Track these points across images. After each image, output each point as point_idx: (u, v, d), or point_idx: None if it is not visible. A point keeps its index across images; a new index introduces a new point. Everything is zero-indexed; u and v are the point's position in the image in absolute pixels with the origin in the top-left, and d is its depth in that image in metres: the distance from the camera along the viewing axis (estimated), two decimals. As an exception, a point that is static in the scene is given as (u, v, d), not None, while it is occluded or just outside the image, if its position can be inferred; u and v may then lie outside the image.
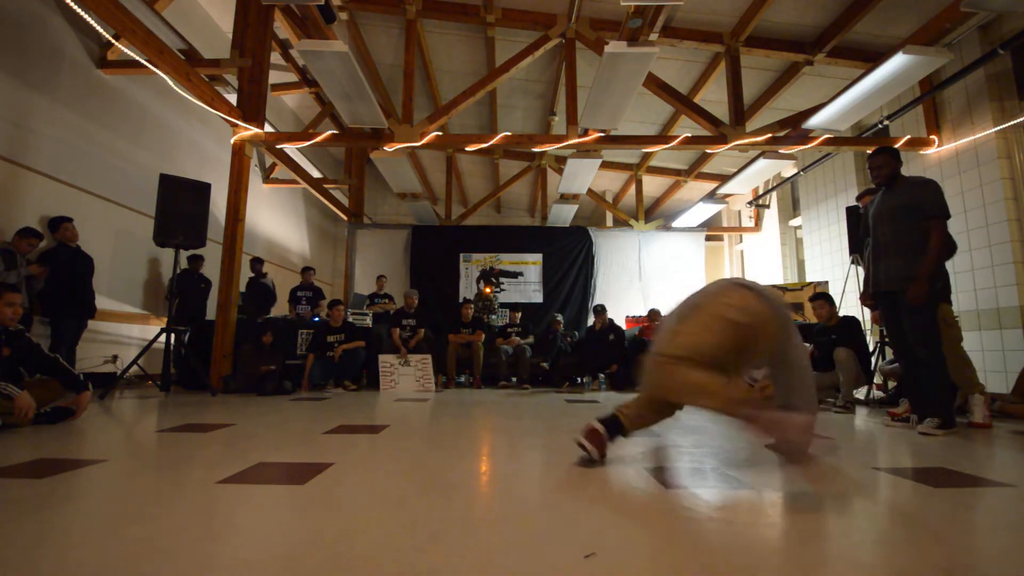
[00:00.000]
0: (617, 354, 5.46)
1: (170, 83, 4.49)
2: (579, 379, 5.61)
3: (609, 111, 4.82)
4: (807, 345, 4.14)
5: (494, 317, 6.91)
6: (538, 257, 8.19)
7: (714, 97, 6.11)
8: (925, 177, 2.72)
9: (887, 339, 3.05)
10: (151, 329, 5.44)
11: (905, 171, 5.34)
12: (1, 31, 3.97)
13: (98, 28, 4.29)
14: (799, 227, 7.42)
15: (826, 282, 5.86)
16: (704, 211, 8.00)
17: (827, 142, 5.25)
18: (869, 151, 5.61)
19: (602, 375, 5.56)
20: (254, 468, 1.60)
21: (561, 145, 5.36)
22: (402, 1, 5.39)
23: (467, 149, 5.59)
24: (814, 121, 4.96)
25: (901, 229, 2.58)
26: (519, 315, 6.44)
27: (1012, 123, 4.31)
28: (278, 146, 5.59)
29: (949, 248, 2.63)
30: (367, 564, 0.90)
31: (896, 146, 5.03)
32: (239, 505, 1.24)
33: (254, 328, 4.90)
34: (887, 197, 2.71)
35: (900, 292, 2.56)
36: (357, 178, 8.45)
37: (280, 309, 6.97)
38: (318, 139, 5.35)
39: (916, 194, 2.59)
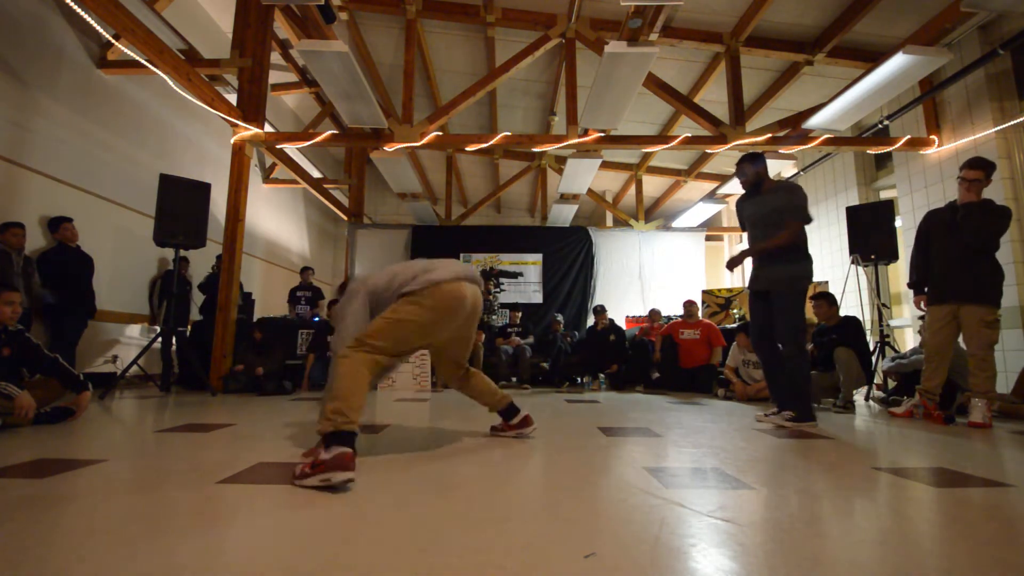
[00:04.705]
0: (618, 354, 5.46)
1: (170, 83, 4.48)
2: (579, 379, 5.61)
3: (609, 111, 4.82)
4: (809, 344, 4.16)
5: (494, 317, 6.92)
6: (538, 257, 8.19)
7: (714, 97, 6.11)
8: (791, 183, 2.86)
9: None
10: (152, 329, 5.44)
11: (905, 171, 5.41)
12: (1, 31, 3.96)
13: (98, 28, 4.29)
14: (799, 227, 7.41)
15: (826, 282, 5.85)
16: (704, 211, 8.00)
17: (827, 142, 5.25)
18: (868, 151, 5.62)
19: (602, 375, 5.56)
20: (254, 468, 1.60)
21: (561, 145, 5.36)
22: (402, 1, 5.39)
23: (467, 149, 5.58)
24: (814, 121, 4.96)
25: (768, 236, 2.79)
26: (519, 315, 6.44)
27: (1012, 123, 4.31)
28: (278, 146, 5.58)
29: (800, 251, 2.72)
30: (367, 564, 0.90)
31: (896, 147, 5.05)
32: (239, 505, 1.24)
33: (248, 327, 4.91)
34: (757, 203, 2.88)
35: (771, 292, 2.75)
36: (357, 178, 8.44)
37: (280, 309, 6.97)
38: (318, 139, 5.35)
39: (779, 201, 2.76)
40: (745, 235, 3.03)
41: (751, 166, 2.89)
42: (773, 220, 2.77)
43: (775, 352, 2.80)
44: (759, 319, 2.86)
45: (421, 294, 1.84)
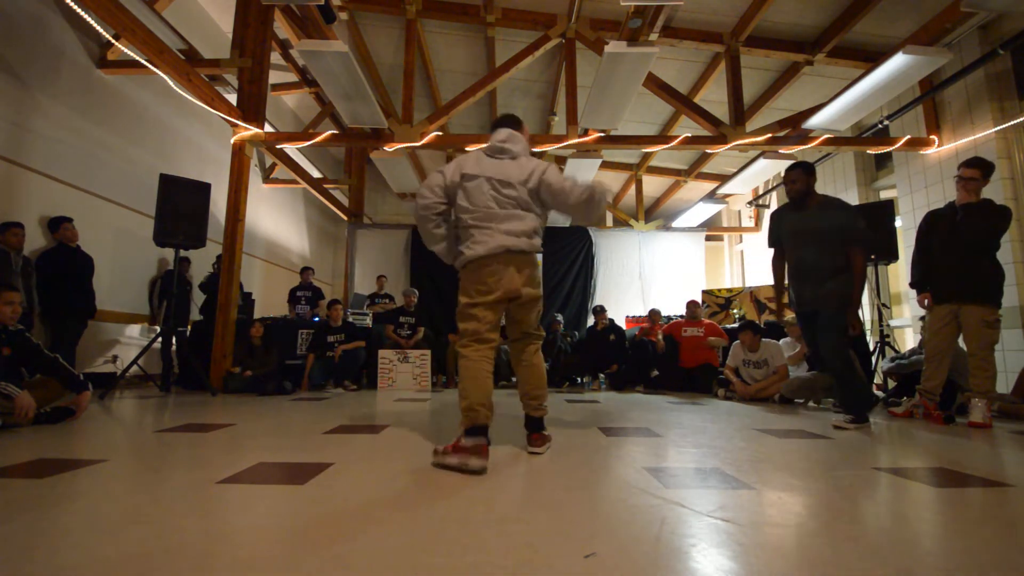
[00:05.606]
0: (618, 354, 5.47)
1: (170, 83, 4.49)
2: (579, 379, 5.61)
3: (609, 111, 4.82)
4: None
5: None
6: (538, 257, 8.18)
7: (714, 97, 6.11)
8: (842, 201, 2.82)
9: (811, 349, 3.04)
10: (152, 329, 5.44)
11: (905, 171, 5.41)
12: (1, 31, 3.96)
13: (98, 28, 4.29)
14: (799, 227, 7.41)
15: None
16: (704, 211, 8.01)
17: (827, 142, 5.25)
18: (868, 151, 5.62)
19: (602, 375, 5.56)
20: (254, 468, 1.60)
21: (561, 145, 5.36)
22: (402, 1, 5.39)
23: (467, 149, 5.57)
24: (814, 121, 4.96)
25: (827, 252, 2.70)
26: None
27: (1012, 123, 4.31)
28: (278, 146, 5.59)
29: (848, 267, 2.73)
30: (367, 564, 0.90)
31: (896, 147, 5.05)
32: (239, 505, 1.24)
33: (245, 325, 4.91)
34: (806, 218, 2.80)
35: (820, 311, 2.72)
36: (357, 178, 8.44)
37: (280, 309, 6.97)
38: (318, 139, 5.35)
39: (837, 219, 2.70)
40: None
41: (803, 175, 2.79)
42: (832, 239, 2.68)
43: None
44: (812, 337, 2.84)
45: (464, 270, 1.95)
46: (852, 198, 6.04)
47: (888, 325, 4.62)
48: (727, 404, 3.87)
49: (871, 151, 5.51)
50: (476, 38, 6.09)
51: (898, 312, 5.77)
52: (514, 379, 5.86)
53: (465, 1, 5.48)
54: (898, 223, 4.99)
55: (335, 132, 5.76)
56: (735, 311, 6.67)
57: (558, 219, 9.09)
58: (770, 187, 7.86)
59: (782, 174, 7.57)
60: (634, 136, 6.00)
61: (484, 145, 2.01)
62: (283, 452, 1.87)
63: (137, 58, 4.17)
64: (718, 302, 6.90)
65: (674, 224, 8.63)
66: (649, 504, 1.25)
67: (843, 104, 4.63)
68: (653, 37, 4.11)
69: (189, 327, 5.33)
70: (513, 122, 2.07)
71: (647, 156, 8.28)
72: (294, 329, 5.47)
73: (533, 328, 2.03)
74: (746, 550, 0.97)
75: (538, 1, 5.32)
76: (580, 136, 5.26)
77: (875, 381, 4.33)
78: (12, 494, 1.31)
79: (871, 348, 4.46)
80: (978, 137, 4.51)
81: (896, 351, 4.23)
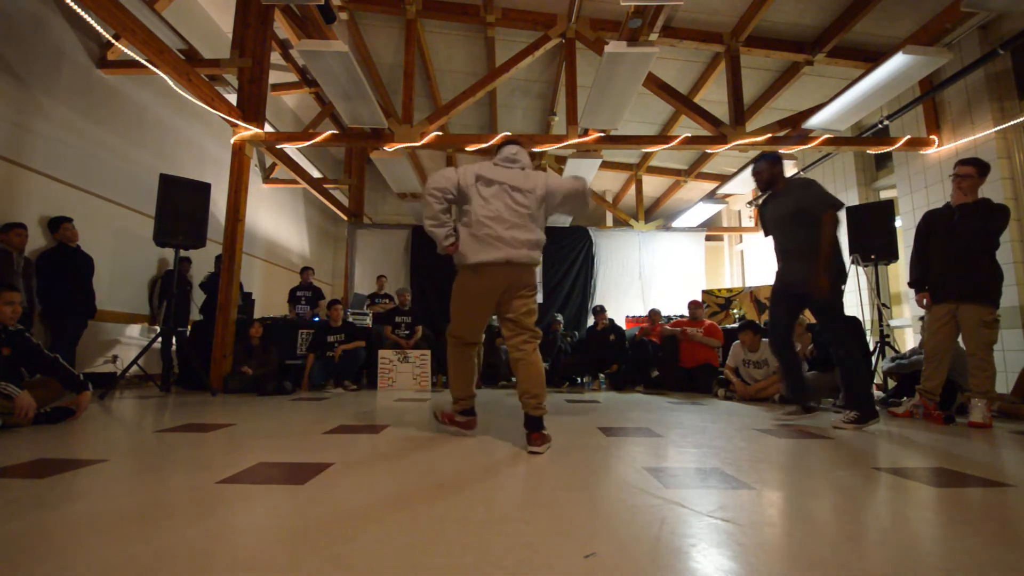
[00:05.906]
0: (618, 354, 5.46)
1: (170, 83, 4.49)
2: (579, 379, 5.61)
3: (609, 111, 4.82)
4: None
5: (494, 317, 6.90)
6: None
7: (714, 97, 6.11)
8: (803, 179, 2.88)
9: (773, 332, 2.99)
10: (152, 329, 5.44)
11: (905, 171, 5.41)
12: (1, 31, 3.96)
13: (98, 28, 4.29)
14: (799, 227, 7.40)
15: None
16: (704, 211, 8.01)
17: (827, 142, 5.25)
18: (868, 151, 5.62)
19: (602, 375, 5.56)
20: (254, 468, 1.60)
21: (561, 145, 5.36)
22: (402, 1, 5.39)
23: (467, 149, 5.57)
24: (814, 121, 4.96)
25: (804, 234, 2.71)
26: (519, 315, 6.40)
27: (1012, 123, 4.31)
28: (278, 146, 5.58)
29: (837, 248, 2.72)
30: (367, 564, 0.90)
31: (896, 147, 5.05)
32: (239, 505, 1.24)
33: (244, 325, 4.91)
34: (781, 203, 2.85)
35: (808, 295, 2.71)
36: (357, 178, 8.44)
37: (280, 309, 6.97)
38: (318, 139, 5.35)
39: (800, 199, 2.73)
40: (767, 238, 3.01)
41: (767, 165, 2.87)
42: (800, 220, 2.71)
43: (796, 354, 2.85)
44: (784, 323, 2.85)
45: (463, 270, 2.13)
46: (852, 198, 6.04)
47: (888, 325, 4.62)
48: (727, 404, 3.87)
49: (871, 151, 5.51)
50: (476, 38, 6.08)
51: (898, 312, 5.77)
52: (514, 379, 5.86)
53: (465, 1, 5.48)
54: (898, 223, 4.99)
55: (335, 132, 5.76)
56: (735, 311, 6.67)
57: (558, 219, 9.11)
58: (770, 187, 7.86)
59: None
60: (634, 136, 5.99)
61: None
62: (283, 452, 1.87)
63: (137, 58, 4.17)
64: (718, 302, 6.90)
65: (674, 224, 8.63)
66: (649, 504, 1.25)
67: (843, 104, 4.63)
68: (653, 37, 4.11)
69: (189, 327, 5.33)
70: (518, 142, 2.32)
71: (647, 156, 8.28)
72: (294, 329, 5.47)
73: (529, 326, 2.16)
74: (746, 550, 0.97)
75: (538, 1, 5.32)
76: (580, 136, 5.26)
77: (875, 381, 4.33)
78: (12, 494, 1.31)
79: (871, 348, 4.46)
80: (978, 137, 4.51)
81: (896, 351, 4.23)
